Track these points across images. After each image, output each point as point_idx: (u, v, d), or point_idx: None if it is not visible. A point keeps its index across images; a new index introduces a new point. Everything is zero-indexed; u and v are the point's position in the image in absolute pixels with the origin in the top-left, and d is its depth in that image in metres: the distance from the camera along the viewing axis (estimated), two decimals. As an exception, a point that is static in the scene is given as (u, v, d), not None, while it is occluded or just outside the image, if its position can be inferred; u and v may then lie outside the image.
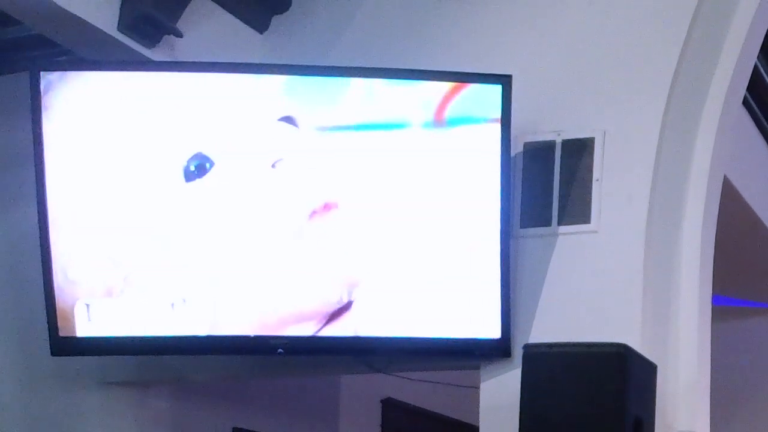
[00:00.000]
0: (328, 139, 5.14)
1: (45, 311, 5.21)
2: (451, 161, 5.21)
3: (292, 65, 5.41)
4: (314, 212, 5.14)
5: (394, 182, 5.20)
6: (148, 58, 5.38)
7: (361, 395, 7.48)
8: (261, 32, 5.92)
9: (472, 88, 5.20)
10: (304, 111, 5.13)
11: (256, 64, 5.50)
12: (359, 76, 5.21)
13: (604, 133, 5.36)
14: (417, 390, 7.19)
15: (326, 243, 5.16)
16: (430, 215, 5.20)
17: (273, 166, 5.10)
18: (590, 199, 5.32)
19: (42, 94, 5.07)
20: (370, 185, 5.19)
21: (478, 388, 5.41)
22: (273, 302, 5.19)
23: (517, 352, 5.03)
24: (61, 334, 5.20)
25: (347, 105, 5.16)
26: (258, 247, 5.14)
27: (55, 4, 4.96)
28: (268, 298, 5.19)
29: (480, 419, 5.39)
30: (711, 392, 5.46)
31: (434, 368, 5.97)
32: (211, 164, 5.13)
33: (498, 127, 5.19)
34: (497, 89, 5.20)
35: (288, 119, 5.08)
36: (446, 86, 5.18)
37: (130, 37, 5.29)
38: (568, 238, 5.34)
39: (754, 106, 7.48)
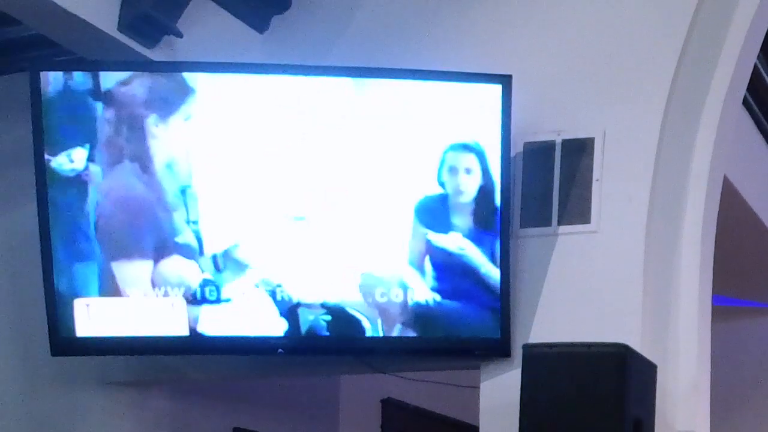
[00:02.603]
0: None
1: (45, 311, 5.22)
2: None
3: (292, 65, 5.41)
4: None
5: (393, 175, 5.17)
6: (148, 58, 5.38)
7: (361, 395, 7.47)
8: (261, 32, 5.92)
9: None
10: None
11: (256, 64, 5.50)
12: (359, 76, 5.20)
13: (604, 133, 5.36)
14: (417, 390, 7.19)
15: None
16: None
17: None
18: (590, 199, 5.32)
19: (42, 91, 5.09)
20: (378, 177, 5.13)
21: (478, 388, 5.41)
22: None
23: (517, 352, 5.03)
24: (61, 334, 5.21)
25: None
26: (258, 244, 5.12)
27: (55, 4, 4.96)
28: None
29: (480, 419, 5.39)
30: (711, 392, 5.46)
31: (434, 368, 5.97)
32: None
33: (498, 126, 5.20)
34: (497, 89, 5.20)
35: None
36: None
37: (130, 37, 5.29)
38: (568, 238, 5.34)
39: (754, 106, 7.48)
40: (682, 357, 5.28)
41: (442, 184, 5.06)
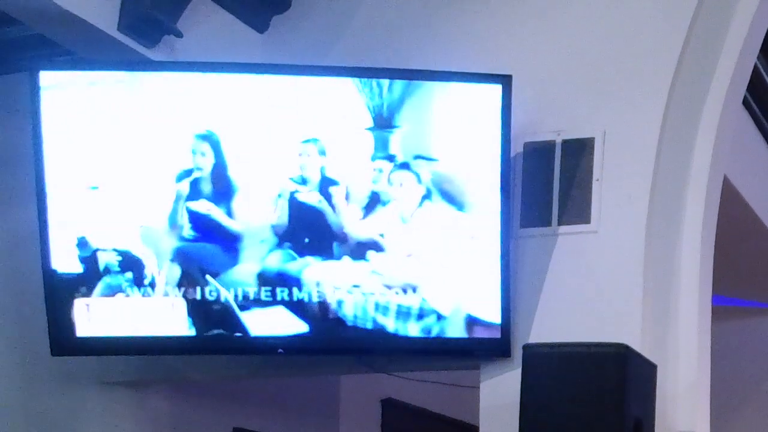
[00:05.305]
0: None
1: (45, 311, 5.22)
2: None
3: (292, 65, 5.42)
4: None
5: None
6: (148, 58, 5.38)
7: (361, 395, 7.48)
8: (261, 32, 5.92)
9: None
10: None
11: (256, 64, 5.50)
12: (359, 76, 5.21)
13: (604, 133, 5.36)
14: (417, 390, 7.19)
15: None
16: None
17: None
18: (590, 199, 5.32)
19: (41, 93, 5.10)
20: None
21: (478, 388, 5.42)
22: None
23: (517, 352, 5.03)
24: (61, 334, 5.21)
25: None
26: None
27: (55, 4, 4.96)
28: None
29: (480, 419, 5.39)
30: (711, 392, 5.46)
31: (434, 368, 5.97)
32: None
33: (498, 126, 5.21)
34: (497, 89, 5.20)
35: None
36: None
37: (130, 37, 5.29)
38: (568, 238, 5.34)
39: (754, 106, 7.48)
40: (682, 357, 5.28)
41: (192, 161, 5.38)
